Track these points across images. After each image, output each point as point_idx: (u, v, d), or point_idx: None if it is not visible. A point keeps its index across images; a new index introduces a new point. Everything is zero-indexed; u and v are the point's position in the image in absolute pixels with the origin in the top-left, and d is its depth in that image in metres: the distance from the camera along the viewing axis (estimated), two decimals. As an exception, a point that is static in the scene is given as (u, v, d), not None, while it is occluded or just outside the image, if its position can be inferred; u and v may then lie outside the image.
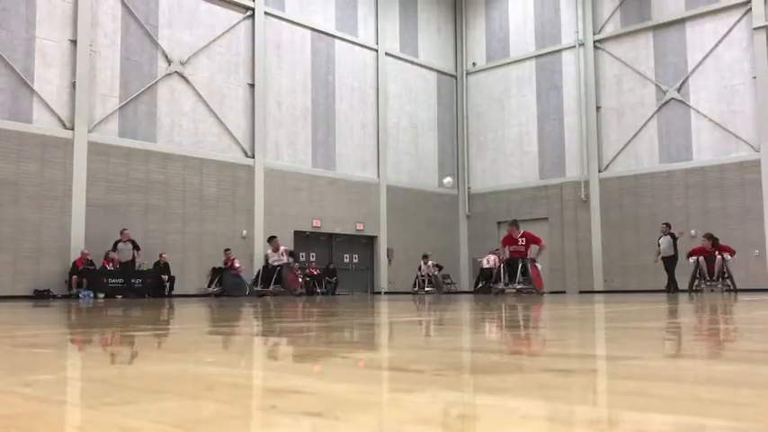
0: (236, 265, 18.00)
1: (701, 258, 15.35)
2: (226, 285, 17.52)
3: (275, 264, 16.23)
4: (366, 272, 23.03)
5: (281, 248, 16.66)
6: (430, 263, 21.42)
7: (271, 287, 15.89)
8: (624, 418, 1.01)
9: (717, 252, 15.31)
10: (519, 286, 13.96)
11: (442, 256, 23.52)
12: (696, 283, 15.32)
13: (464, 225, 25.50)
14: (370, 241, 23.02)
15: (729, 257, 15.37)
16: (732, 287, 15.01)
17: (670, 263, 16.60)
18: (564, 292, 21.45)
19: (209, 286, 17.69)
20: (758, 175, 19.37)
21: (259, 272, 16.68)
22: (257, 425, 1.02)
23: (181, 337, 3.19)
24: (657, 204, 20.84)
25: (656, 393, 1.23)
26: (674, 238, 16.76)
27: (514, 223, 14.83)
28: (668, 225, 17.13)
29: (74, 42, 16.42)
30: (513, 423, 0.97)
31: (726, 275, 15.16)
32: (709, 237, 15.75)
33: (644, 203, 21.31)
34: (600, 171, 22.45)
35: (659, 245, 16.90)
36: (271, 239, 16.78)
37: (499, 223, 24.66)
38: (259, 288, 16.13)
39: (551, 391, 1.28)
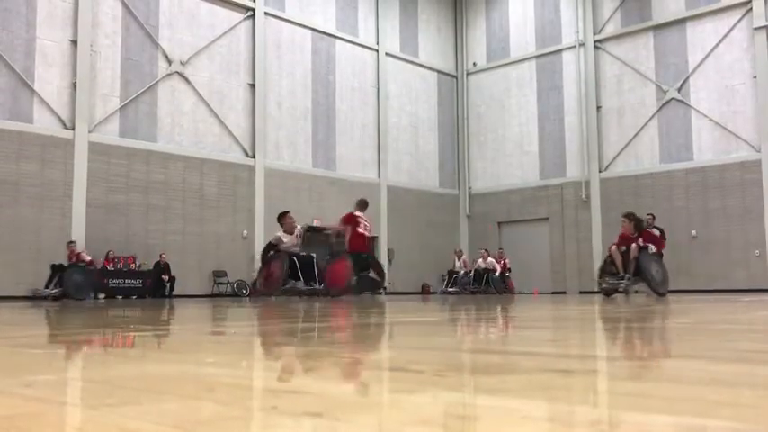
0: (86, 258, 14.96)
1: (614, 248, 11.53)
2: (67, 285, 14.53)
3: (296, 252, 11.43)
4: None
5: (298, 229, 11.84)
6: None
7: (318, 285, 11.29)
8: (625, 418, 1.01)
9: (640, 239, 11.40)
10: (302, 287, 11.03)
11: (443, 256, 23.49)
12: (602, 280, 11.53)
13: (464, 225, 25.50)
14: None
15: (653, 248, 11.54)
16: (654, 288, 11.07)
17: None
18: (564, 293, 21.45)
19: (46, 286, 14.77)
20: (759, 175, 19.37)
21: (279, 262, 11.27)
22: (258, 425, 1.01)
23: (182, 338, 3.19)
24: (658, 204, 20.81)
25: (657, 394, 1.23)
26: (662, 233, 14.80)
27: (359, 202, 12.17)
28: (653, 216, 15.38)
29: (74, 43, 16.42)
30: (513, 423, 0.97)
31: (642, 271, 11.06)
32: (630, 217, 11.78)
33: (644, 204, 21.27)
34: (600, 171, 22.45)
35: None
36: (283, 216, 11.78)
37: (500, 224, 24.69)
38: (303, 286, 11.27)
39: (552, 391, 1.28)
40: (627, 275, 11.10)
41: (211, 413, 1.09)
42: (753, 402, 1.15)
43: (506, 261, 21.69)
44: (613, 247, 11.53)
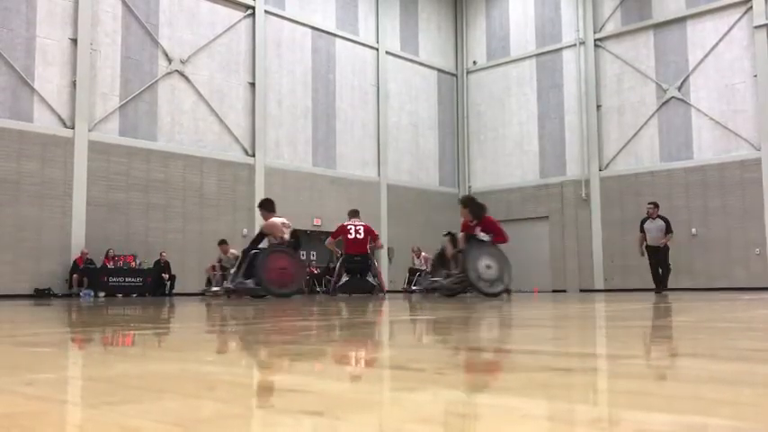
0: None
1: (448, 238, 10.01)
2: None
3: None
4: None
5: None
6: (232, 251, 15.09)
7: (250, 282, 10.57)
8: (625, 417, 1.01)
9: (477, 228, 9.73)
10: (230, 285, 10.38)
11: (443, 254, 23.51)
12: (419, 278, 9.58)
13: (465, 224, 25.47)
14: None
15: (485, 237, 9.66)
16: (477, 286, 9.18)
17: (661, 254, 13.64)
18: (565, 291, 21.45)
19: None
20: (759, 173, 19.37)
21: (240, 262, 10.83)
22: (258, 424, 1.02)
23: (182, 336, 3.19)
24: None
25: (657, 392, 1.23)
26: (668, 223, 13.65)
27: (348, 213, 12.41)
28: (657, 205, 14.03)
29: (74, 41, 16.42)
30: (513, 422, 0.97)
31: (466, 267, 9.23)
32: (466, 202, 10.22)
33: (644, 202, 21.26)
34: (600, 170, 22.44)
35: (643, 230, 13.80)
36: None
37: (500, 222, 24.65)
38: (233, 284, 10.76)
39: (552, 389, 1.28)
40: (446, 271, 9.60)
41: (212, 411, 1.09)
42: (753, 401, 1.15)
43: None
44: (445, 238, 10.02)
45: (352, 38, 22.56)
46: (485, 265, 9.23)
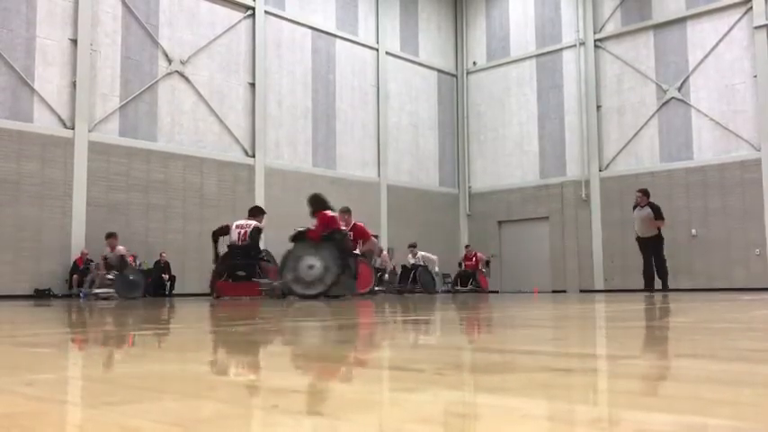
0: None
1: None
2: None
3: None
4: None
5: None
6: (121, 248, 14.53)
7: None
8: (625, 417, 1.01)
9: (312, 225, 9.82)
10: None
11: (443, 255, 23.51)
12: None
13: (465, 224, 25.49)
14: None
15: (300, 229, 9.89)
16: (288, 287, 9.08)
17: (651, 246, 12.42)
18: (565, 291, 21.45)
19: None
20: (759, 174, 19.37)
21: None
22: (258, 424, 1.02)
23: (182, 336, 3.19)
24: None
25: (657, 392, 1.23)
26: (657, 211, 12.41)
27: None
28: (646, 193, 12.90)
29: (74, 42, 16.42)
30: (513, 422, 0.97)
31: (282, 267, 9.19)
32: (309, 200, 10.21)
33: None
34: (600, 170, 22.44)
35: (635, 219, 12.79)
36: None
37: (500, 222, 24.69)
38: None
39: (552, 390, 1.28)
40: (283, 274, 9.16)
41: (212, 411, 1.10)
42: (753, 401, 1.15)
43: (478, 256, 21.15)
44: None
45: (352, 38, 22.55)
46: (307, 266, 9.00)
